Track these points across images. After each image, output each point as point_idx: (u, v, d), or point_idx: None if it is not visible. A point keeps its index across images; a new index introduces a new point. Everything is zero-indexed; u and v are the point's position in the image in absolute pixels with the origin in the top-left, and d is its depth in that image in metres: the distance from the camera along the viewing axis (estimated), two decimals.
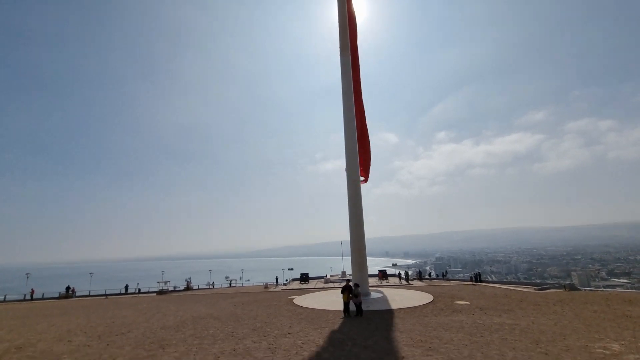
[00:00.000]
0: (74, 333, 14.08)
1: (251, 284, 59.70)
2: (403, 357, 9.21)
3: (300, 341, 11.57)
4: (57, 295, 44.87)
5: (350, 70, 29.99)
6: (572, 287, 32.47)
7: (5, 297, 43.05)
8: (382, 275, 44.89)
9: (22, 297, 43.83)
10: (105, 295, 46.45)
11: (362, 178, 30.98)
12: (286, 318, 16.65)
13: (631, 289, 64.15)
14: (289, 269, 58.16)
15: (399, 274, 45.20)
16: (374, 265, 58.00)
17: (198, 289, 53.65)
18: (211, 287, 56.07)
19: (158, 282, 51.47)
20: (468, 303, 20.08)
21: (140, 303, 29.29)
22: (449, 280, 45.69)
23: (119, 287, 52.00)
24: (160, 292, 46.21)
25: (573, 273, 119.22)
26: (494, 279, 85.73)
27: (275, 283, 46.99)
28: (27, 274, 69.59)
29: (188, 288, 53.19)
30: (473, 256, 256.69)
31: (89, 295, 46.86)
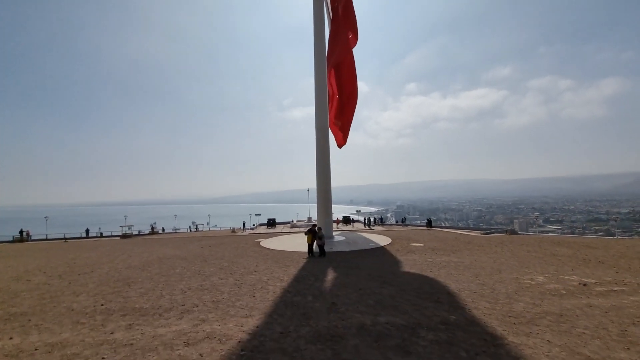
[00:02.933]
0: (32, 273, 13.89)
1: (218, 229, 60.52)
2: (360, 289, 10.16)
3: (266, 277, 12.29)
4: (10, 239, 42.97)
5: (325, 5, 28.16)
6: (513, 232, 36.28)
7: None
8: (344, 220, 47.24)
9: None
10: (65, 239, 45.18)
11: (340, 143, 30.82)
12: (252, 258, 17.38)
13: (561, 234, 73.02)
14: (256, 215, 59.25)
15: (364, 219, 47.69)
16: (338, 212, 60.28)
17: (164, 232, 53.58)
18: (177, 231, 56.15)
19: (121, 227, 50.57)
20: (422, 245, 21.94)
21: (103, 246, 28.95)
22: (407, 225, 49.09)
23: (79, 232, 50.58)
24: (124, 236, 45.66)
25: (515, 220, 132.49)
26: (447, 224, 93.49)
27: (242, 228, 47.97)
28: None
29: (153, 232, 52.93)
30: (430, 204, 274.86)
31: (46, 239, 45.35)
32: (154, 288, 10.65)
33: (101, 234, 52.14)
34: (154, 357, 5.27)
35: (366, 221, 46.23)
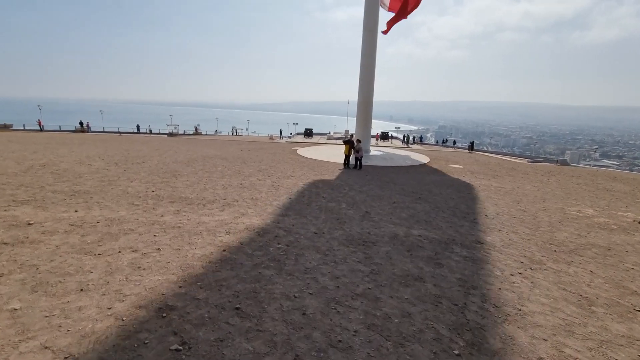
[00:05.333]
0: (92, 159, 15.28)
1: (257, 135, 62.00)
2: (394, 202, 10.17)
3: (302, 182, 12.62)
4: (72, 129, 47.01)
5: None
6: (564, 162, 33.77)
7: (24, 127, 45.36)
8: (382, 136, 46.14)
9: (39, 129, 46.02)
10: (119, 132, 48.74)
11: (386, 26, 27.16)
12: (289, 164, 17.80)
13: (617, 169, 67.27)
14: (293, 124, 59.34)
15: (403, 137, 46.27)
16: (377, 127, 58.34)
17: (206, 134, 55.95)
18: (219, 134, 58.35)
19: (168, 125, 53.26)
20: (461, 167, 21.15)
21: (152, 142, 30.97)
22: (447, 147, 47.24)
23: (131, 127, 54.10)
24: (171, 134, 48.30)
25: (567, 151, 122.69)
26: (490, 149, 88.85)
27: (279, 135, 48.69)
28: (38, 106, 71.22)
29: (197, 133, 55.43)
30: (475, 127, 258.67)
31: (103, 132, 49.21)
32: (198, 182, 11.36)
33: (150, 130, 55.48)
34: (199, 240, 5.74)
35: (405, 139, 44.88)
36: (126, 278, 4.11)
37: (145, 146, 24.61)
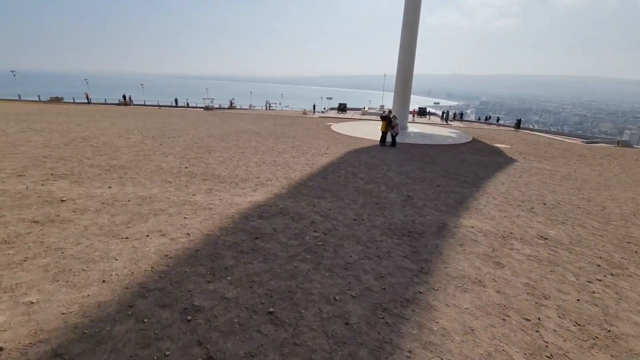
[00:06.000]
0: (131, 132, 15.50)
1: (290, 109, 61.41)
2: (438, 186, 9.30)
3: (337, 161, 11.98)
4: (116, 102, 49.01)
5: None
6: (626, 144, 30.22)
7: (74, 99, 47.93)
8: (420, 112, 43.80)
9: (86, 101, 48.38)
10: (159, 105, 50.14)
11: None
12: (323, 141, 17.14)
13: None
14: (327, 98, 57.87)
15: (442, 113, 43.64)
16: (414, 102, 55.47)
17: (240, 108, 56.21)
18: (253, 108, 58.43)
19: (204, 99, 54.05)
20: (508, 147, 19.41)
21: (188, 115, 31.37)
22: (490, 124, 44.05)
23: (169, 100, 55.50)
24: (207, 108, 48.94)
25: (627, 131, 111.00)
26: (537, 127, 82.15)
27: (312, 110, 47.72)
28: (85, 80, 74.91)
29: (231, 107, 55.87)
30: (522, 103, 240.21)
31: (144, 105, 50.87)
32: (231, 158, 11.06)
33: (187, 104, 56.64)
34: (231, 225, 5.37)
35: (444, 115, 42.29)
36: (152, 268, 3.79)
37: (182, 120, 24.88)
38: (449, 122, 39.19)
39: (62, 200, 5.77)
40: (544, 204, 8.36)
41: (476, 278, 4.31)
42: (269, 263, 4.19)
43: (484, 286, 4.13)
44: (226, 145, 13.54)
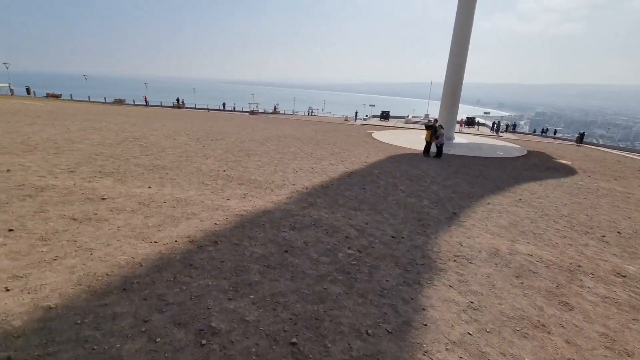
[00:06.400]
0: (178, 134, 16.15)
1: (332, 116, 61.53)
2: (488, 204, 8.44)
3: (377, 170, 11.46)
4: (170, 104, 52.33)
5: None
6: None
7: (134, 101, 51.98)
8: (468, 122, 41.62)
9: (144, 104, 52.14)
10: (208, 109, 52.68)
11: None
12: (363, 149, 16.66)
13: None
14: (370, 105, 57.10)
15: (493, 124, 41.06)
16: (462, 112, 52.82)
17: (284, 113, 57.34)
18: (295, 113, 59.37)
19: (250, 103, 55.94)
20: (569, 163, 17.53)
21: (234, 119, 32.44)
22: (547, 137, 40.63)
23: (218, 104, 58.16)
24: (252, 112, 50.51)
25: None
26: (602, 142, 74.37)
27: (354, 117, 47.27)
28: (145, 83, 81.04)
29: (275, 111, 57.24)
30: (585, 115, 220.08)
31: (194, 108, 53.75)
32: (270, 163, 10.99)
33: (234, 108, 58.93)
34: (261, 234, 5.11)
35: (495, 126, 39.72)
36: (174, 278, 3.61)
37: (227, 123, 25.70)
38: (500, 134, 36.73)
39: (103, 199, 5.91)
40: (619, 232, 7.20)
41: (538, 321, 3.62)
42: (296, 282, 3.84)
43: (548, 332, 3.44)
44: (266, 150, 13.56)
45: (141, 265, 3.76)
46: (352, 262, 4.51)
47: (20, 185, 6.12)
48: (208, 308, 3.16)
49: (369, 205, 7.40)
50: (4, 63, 58.42)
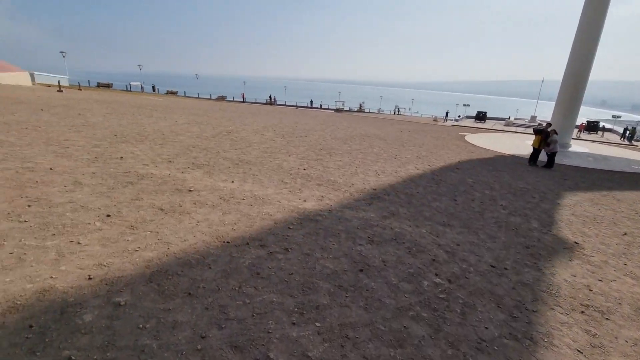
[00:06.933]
0: (267, 129, 16.84)
1: (419, 115, 58.41)
2: (625, 234, 6.56)
3: (470, 179, 10.06)
4: (264, 101, 56.19)
5: None
6: None
7: (233, 98, 57.30)
8: (589, 127, 34.89)
9: (242, 100, 56.94)
10: (297, 106, 55.00)
11: None
12: (454, 153, 15.02)
13: None
14: (464, 105, 52.40)
15: (625, 130, 33.69)
16: (581, 114, 44.42)
17: (369, 112, 56.50)
18: (381, 112, 57.99)
19: (336, 101, 56.65)
20: None
21: (319, 116, 32.97)
22: None
23: (305, 102, 60.32)
24: (337, 110, 50.98)
25: None
26: None
27: (444, 117, 43.86)
28: (244, 82, 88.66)
29: (360, 110, 56.86)
30: None
31: (285, 105, 56.66)
32: (351, 163, 10.53)
33: (320, 105, 60.38)
34: (334, 245, 4.66)
35: (627, 133, 32.45)
36: (239, 287, 3.38)
37: (313, 120, 26.14)
38: (633, 142, 29.84)
39: (190, 190, 6.17)
40: None
41: None
42: (370, 312, 3.27)
43: None
44: (348, 149, 13.15)
45: (210, 268, 3.65)
46: (440, 296, 3.73)
47: (126, 172, 6.80)
48: (269, 332, 2.81)
49: (461, 222, 6.37)
50: (138, 65, 69.98)
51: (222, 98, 56.45)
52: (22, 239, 3.67)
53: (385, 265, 4.25)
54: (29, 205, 4.56)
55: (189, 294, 3.14)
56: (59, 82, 35.65)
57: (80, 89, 37.06)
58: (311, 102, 59.82)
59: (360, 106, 58.76)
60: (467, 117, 49.21)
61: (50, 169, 6.35)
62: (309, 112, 38.83)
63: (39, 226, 4.02)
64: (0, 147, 7.50)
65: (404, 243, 5.02)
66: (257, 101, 57.65)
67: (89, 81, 53.25)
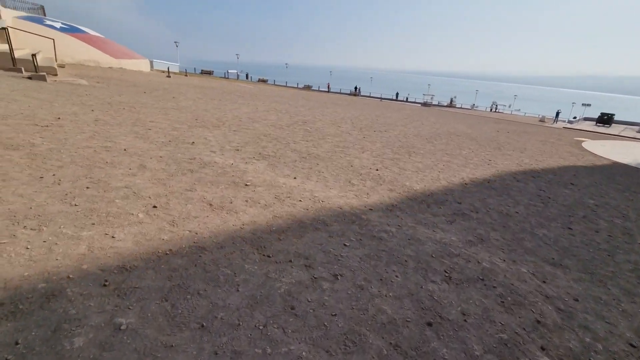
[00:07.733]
0: (344, 121, 16.05)
1: (522, 114, 51.17)
2: None
3: (593, 201, 7.80)
4: (348, 92, 55.70)
5: None
6: None
7: (318, 87, 58.02)
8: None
9: (327, 90, 57.27)
10: (381, 98, 53.13)
11: None
12: (568, 163, 12.20)
13: None
14: (582, 104, 43.89)
15: None
16: None
17: (461, 107, 51.61)
18: (475, 108, 52.49)
19: (424, 95, 53.09)
20: None
21: (404, 110, 30.96)
22: None
23: (391, 94, 57.91)
24: (424, 104, 47.69)
25: None
26: None
27: (555, 118, 37.25)
28: (330, 72, 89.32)
29: (450, 105, 52.40)
30: None
31: (369, 96, 55.26)
32: (433, 167, 9.12)
33: (407, 98, 57.36)
34: (398, 278, 3.63)
35: None
36: (264, 326, 2.65)
37: (396, 114, 24.52)
38: None
39: (246, 185, 5.73)
40: None
41: None
42: None
43: None
44: (431, 149, 11.60)
45: (238, 290, 3.01)
46: None
47: (191, 159, 6.71)
48: None
49: (579, 263, 4.71)
50: (236, 54, 75.78)
51: (307, 87, 57.55)
52: (62, 226, 3.55)
53: (465, 320, 3.10)
54: (87, 187, 4.57)
55: (202, 325, 2.54)
56: (168, 68, 40.25)
57: (187, 75, 41.30)
58: (397, 94, 57.13)
59: (451, 101, 54.11)
60: (586, 119, 41.28)
61: (125, 149, 6.56)
62: (393, 105, 36.84)
63: (84, 212, 3.91)
64: (94, 125, 8.17)
65: (494, 287, 3.74)
66: (342, 91, 57.33)
67: (194, 68, 59.41)
